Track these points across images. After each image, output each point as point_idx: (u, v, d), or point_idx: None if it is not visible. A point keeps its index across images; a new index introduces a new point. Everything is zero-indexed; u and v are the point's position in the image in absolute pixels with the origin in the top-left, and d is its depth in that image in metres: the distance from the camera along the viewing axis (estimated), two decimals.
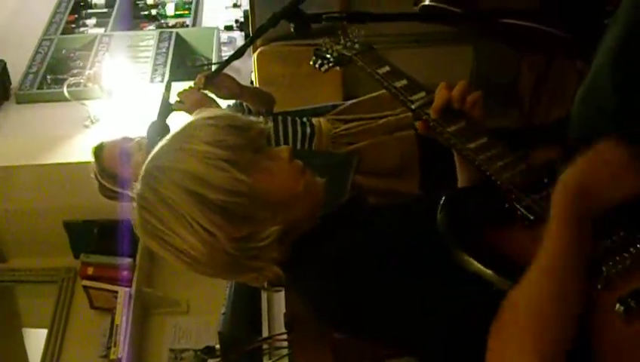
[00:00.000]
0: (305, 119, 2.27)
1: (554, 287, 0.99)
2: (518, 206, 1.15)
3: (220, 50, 4.18)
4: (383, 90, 1.54)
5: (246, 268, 1.24)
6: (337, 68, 1.82)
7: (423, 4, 2.52)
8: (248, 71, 3.51)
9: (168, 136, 1.28)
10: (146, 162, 1.27)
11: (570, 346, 0.96)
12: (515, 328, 0.98)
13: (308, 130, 2.21)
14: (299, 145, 2.18)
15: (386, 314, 1.17)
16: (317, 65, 1.85)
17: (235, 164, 1.20)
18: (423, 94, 1.40)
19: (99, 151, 2.32)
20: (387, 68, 1.53)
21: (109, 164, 2.28)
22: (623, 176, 1.05)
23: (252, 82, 3.34)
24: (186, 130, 1.26)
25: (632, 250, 1.03)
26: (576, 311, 0.98)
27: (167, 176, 1.21)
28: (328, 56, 1.81)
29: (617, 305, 0.96)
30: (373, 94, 2.32)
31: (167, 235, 1.20)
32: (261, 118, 1.75)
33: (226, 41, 4.36)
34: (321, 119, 2.29)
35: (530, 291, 0.99)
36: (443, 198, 1.22)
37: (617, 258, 1.02)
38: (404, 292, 1.15)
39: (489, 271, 1.08)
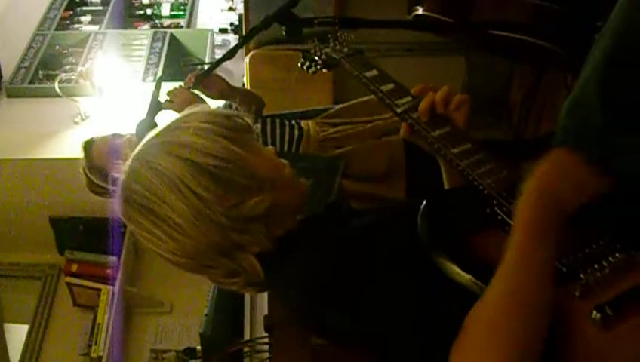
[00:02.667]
0: (294, 122, 2.27)
1: (517, 300, 0.98)
2: (498, 211, 1.16)
3: (213, 53, 4.17)
4: (372, 96, 1.54)
5: (230, 247, 1.24)
6: (325, 70, 1.83)
7: (416, 13, 2.53)
8: (240, 74, 3.52)
9: (163, 125, 1.31)
10: (139, 145, 1.29)
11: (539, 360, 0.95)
12: (477, 344, 0.97)
13: (296, 132, 2.22)
14: (286, 148, 2.18)
15: (361, 322, 1.17)
16: (305, 68, 1.86)
17: (227, 138, 1.24)
18: (409, 98, 1.41)
19: (88, 146, 2.32)
20: (375, 72, 1.53)
21: (98, 159, 2.28)
22: (581, 179, 1.10)
23: (243, 85, 3.34)
24: (182, 116, 1.31)
25: (611, 258, 1.04)
26: (543, 323, 0.97)
27: (160, 150, 1.24)
28: (316, 58, 1.82)
29: (594, 313, 0.97)
30: (362, 99, 2.33)
31: (154, 203, 1.20)
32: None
33: (220, 43, 4.35)
34: (310, 122, 2.29)
35: (491, 305, 0.99)
36: (424, 202, 1.23)
37: (596, 266, 1.04)
38: (380, 300, 1.15)
39: (467, 276, 1.08)
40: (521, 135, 3.24)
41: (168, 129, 1.28)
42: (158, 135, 1.28)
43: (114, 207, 1.29)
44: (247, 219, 1.23)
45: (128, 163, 1.27)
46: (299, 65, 1.88)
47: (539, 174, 1.10)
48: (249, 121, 1.34)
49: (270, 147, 1.36)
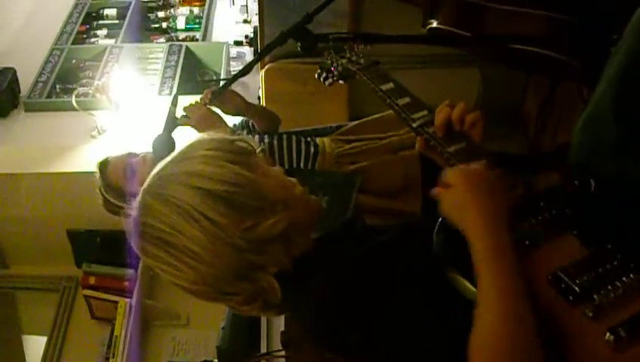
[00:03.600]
0: (309, 138, 2.27)
1: (506, 315, 1.02)
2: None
3: (228, 65, 4.20)
4: (388, 111, 1.53)
5: (249, 269, 1.23)
6: (341, 82, 1.82)
7: (430, 26, 2.53)
8: (256, 87, 3.54)
9: (169, 157, 1.31)
10: (148, 179, 1.29)
11: None
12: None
13: (312, 149, 2.22)
14: (302, 165, 2.18)
15: (376, 340, 1.18)
16: (322, 79, 1.84)
17: (234, 162, 1.25)
18: (425, 113, 1.40)
19: (103, 166, 2.30)
20: (391, 85, 1.52)
21: (113, 179, 2.27)
22: (499, 186, 1.18)
23: (259, 98, 3.36)
24: (187, 146, 1.31)
25: (624, 279, 1.05)
26: (534, 330, 1.01)
27: (169, 181, 1.24)
28: (333, 69, 1.81)
29: (607, 334, 0.97)
30: (377, 115, 2.33)
31: (169, 234, 1.20)
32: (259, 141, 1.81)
33: (235, 56, 4.38)
34: (325, 139, 2.28)
35: (484, 328, 1.03)
36: (440, 220, 1.23)
37: (609, 287, 1.04)
38: (395, 319, 1.16)
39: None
40: (537, 146, 3.24)
41: (175, 161, 1.29)
42: (165, 168, 1.29)
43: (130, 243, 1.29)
44: (264, 240, 1.23)
45: (138, 199, 1.27)
46: (315, 76, 1.87)
47: (469, 203, 1.14)
48: (253, 144, 1.34)
49: (278, 167, 1.36)
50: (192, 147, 1.30)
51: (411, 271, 1.20)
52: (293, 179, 1.35)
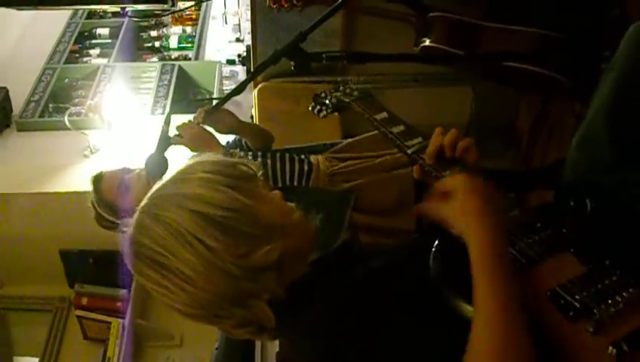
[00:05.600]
0: (303, 156, 2.27)
1: (502, 318, 1.03)
2: (511, 249, 1.16)
3: (221, 84, 4.20)
4: None
5: (242, 295, 1.22)
6: (335, 114, 1.85)
7: (423, 45, 2.54)
8: (249, 105, 3.53)
9: (167, 176, 1.31)
10: (145, 198, 1.28)
11: None
12: None
13: (305, 167, 2.22)
14: (296, 182, 2.18)
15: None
16: (315, 111, 1.88)
17: (232, 188, 1.24)
18: (419, 140, 1.42)
19: (98, 180, 2.30)
20: (385, 114, 1.56)
21: (107, 194, 2.26)
22: (492, 192, 1.17)
23: (252, 117, 3.35)
24: (186, 166, 1.30)
25: (624, 293, 1.06)
26: (528, 337, 1.01)
27: (167, 201, 1.23)
28: (327, 102, 1.84)
29: (610, 348, 0.98)
30: (371, 133, 2.33)
31: (163, 256, 1.19)
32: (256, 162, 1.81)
33: (227, 74, 4.38)
34: (319, 157, 2.29)
35: (481, 332, 1.03)
36: (436, 242, 1.23)
37: (610, 301, 1.05)
38: (392, 346, 1.15)
39: None
40: (528, 163, 3.25)
41: (173, 181, 1.28)
42: (163, 187, 1.28)
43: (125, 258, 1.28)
44: (258, 268, 1.21)
45: (135, 217, 1.26)
46: (309, 108, 1.91)
47: (472, 208, 1.14)
48: (254, 168, 1.33)
49: (276, 192, 1.35)
50: (191, 168, 1.29)
51: (406, 299, 1.19)
52: (292, 204, 1.34)
